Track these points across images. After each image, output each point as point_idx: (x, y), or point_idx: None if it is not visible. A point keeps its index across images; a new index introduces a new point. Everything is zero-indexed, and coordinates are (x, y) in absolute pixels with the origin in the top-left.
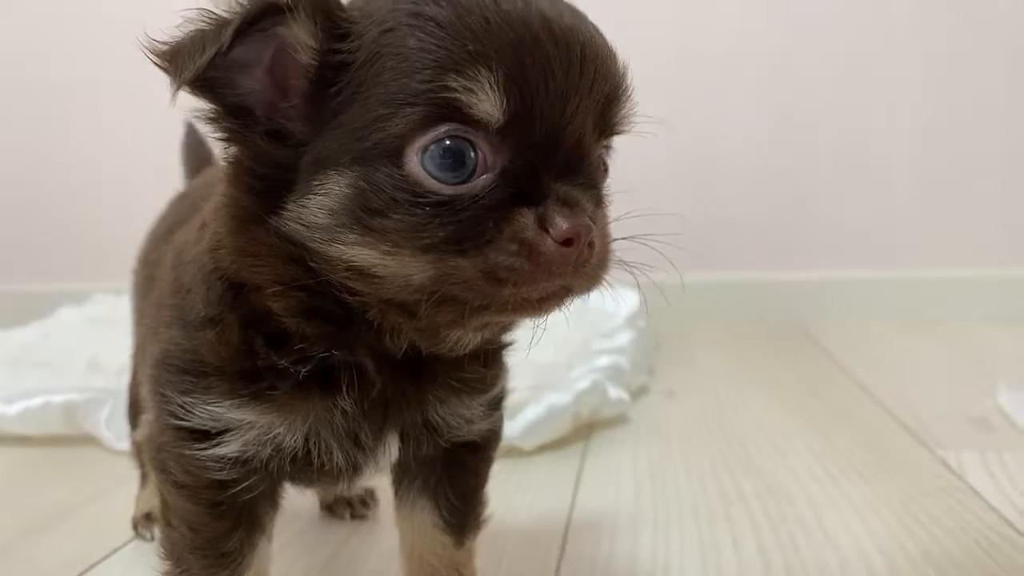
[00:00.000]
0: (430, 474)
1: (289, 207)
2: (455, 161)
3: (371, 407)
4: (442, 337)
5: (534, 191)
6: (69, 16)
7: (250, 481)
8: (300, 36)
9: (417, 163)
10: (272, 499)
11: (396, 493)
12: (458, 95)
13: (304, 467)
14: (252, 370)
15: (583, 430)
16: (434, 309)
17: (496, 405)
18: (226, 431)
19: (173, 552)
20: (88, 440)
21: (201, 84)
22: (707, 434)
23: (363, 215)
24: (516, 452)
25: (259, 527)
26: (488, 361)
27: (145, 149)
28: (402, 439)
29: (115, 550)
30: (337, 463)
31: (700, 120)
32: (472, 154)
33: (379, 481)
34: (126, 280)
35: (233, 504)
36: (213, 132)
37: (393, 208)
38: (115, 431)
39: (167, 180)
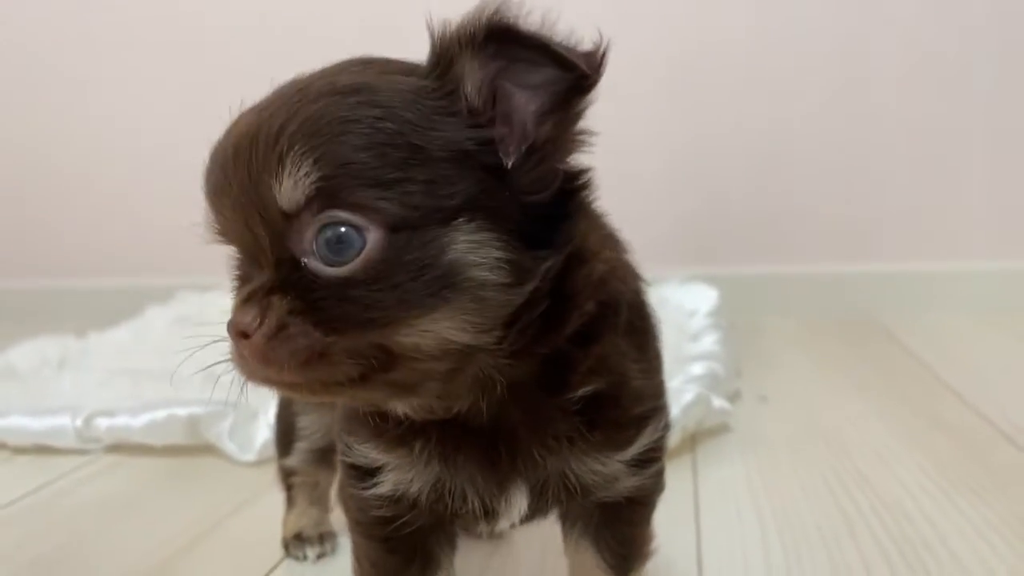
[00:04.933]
0: (589, 520)
1: None
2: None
3: (475, 460)
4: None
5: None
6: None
7: (407, 517)
8: None
9: None
10: (446, 536)
11: (562, 528)
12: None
13: (444, 508)
14: (368, 416)
15: (687, 442)
16: None
17: (643, 463)
18: (378, 470)
19: None
20: (207, 449)
21: None
22: (810, 445)
23: None
24: None
25: (434, 563)
26: (592, 415)
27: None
28: (541, 494)
29: (271, 571)
30: (473, 508)
31: (770, 109)
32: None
33: None
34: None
35: (403, 540)
36: None
37: None
38: (238, 442)
39: None
